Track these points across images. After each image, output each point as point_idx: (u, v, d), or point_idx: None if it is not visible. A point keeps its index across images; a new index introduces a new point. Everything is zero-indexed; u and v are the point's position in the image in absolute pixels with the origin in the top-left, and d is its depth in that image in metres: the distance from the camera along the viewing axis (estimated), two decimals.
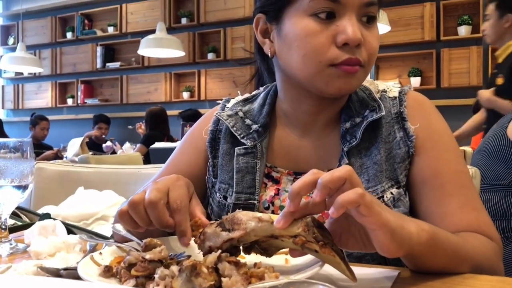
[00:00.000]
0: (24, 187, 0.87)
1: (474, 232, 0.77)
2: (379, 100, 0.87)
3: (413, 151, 0.83)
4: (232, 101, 1.00)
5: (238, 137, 0.90)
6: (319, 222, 0.60)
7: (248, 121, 0.92)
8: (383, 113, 0.84)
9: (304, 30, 0.78)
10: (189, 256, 0.64)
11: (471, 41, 4.92)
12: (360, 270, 0.63)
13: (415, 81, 5.09)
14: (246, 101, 0.98)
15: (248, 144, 0.89)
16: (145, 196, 0.65)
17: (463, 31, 4.92)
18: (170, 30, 6.00)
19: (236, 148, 0.90)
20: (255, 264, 0.59)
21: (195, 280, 0.52)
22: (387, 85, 0.92)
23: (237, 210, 0.65)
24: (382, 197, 0.81)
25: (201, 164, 0.95)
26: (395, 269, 0.70)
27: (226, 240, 0.60)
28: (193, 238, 0.66)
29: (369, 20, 0.80)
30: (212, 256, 0.57)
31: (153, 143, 4.24)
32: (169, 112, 5.47)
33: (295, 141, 0.90)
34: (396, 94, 0.89)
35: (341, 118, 0.87)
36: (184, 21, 6.38)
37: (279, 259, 0.67)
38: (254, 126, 0.91)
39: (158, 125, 5.12)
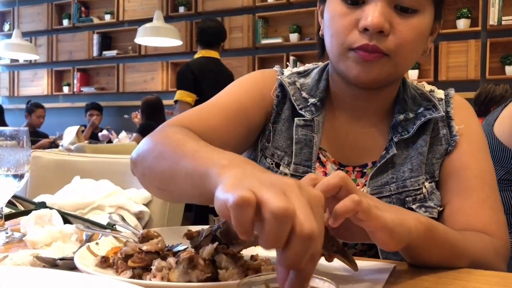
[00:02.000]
0: (20, 176, 0.86)
1: (484, 229, 0.79)
2: (434, 100, 0.90)
3: (452, 148, 0.86)
4: (287, 71, 0.97)
5: (297, 107, 0.89)
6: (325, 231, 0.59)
7: (304, 94, 0.92)
8: (442, 114, 0.87)
9: (333, 12, 0.81)
10: (186, 248, 0.65)
11: (470, 35, 4.91)
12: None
13: (413, 73, 5.08)
14: (299, 74, 0.96)
15: (307, 116, 0.88)
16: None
17: (462, 24, 4.90)
18: (167, 18, 5.96)
19: (296, 118, 0.89)
20: (252, 257, 0.60)
21: (192, 272, 0.53)
22: (433, 87, 0.95)
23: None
24: (421, 188, 0.84)
25: (262, 115, 0.90)
26: (391, 262, 0.70)
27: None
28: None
29: (405, 10, 0.78)
30: (209, 248, 0.57)
31: (149, 132, 4.22)
32: (165, 102, 5.44)
33: (345, 125, 0.91)
34: (443, 96, 0.93)
35: (395, 109, 0.89)
36: (181, 9, 6.33)
37: (275, 251, 0.67)
38: (312, 100, 0.90)
39: (154, 114, 5.10)
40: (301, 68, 0.99)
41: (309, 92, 0.92)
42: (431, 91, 0.94)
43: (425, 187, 0.84)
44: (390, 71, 0.80)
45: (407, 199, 0.83)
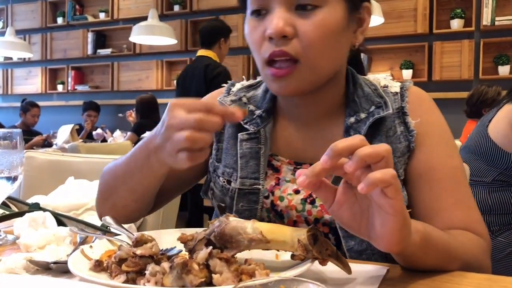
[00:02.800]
0: (13, 178, 0.86)
1: (465, 229, 0.78)
2: (385, 97, 0.87)
3: (414, 145, 0.84)
4: (237, 85, 0.99)
5: (242, 122, 0.90)
6: (316, 235, 0.60)
7: (251, 107, 0.92)
8: (390, 111, 0.84)
9: (247, 29, 0.82)
10: (180, 251, 0.65)
11: (463, 35, 4.93)
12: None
13: (407, 73, 5.10)
14: (250, 87, 0.98)
15: (251, 129, 0.89)
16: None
17: (456, 24, 4.92)
18: (162, 17, 5.95)
19: (239, 134, 0.89)
20: (245, 261, 0.60)
21: (186, 277, 0.53)
22: (389, 80, 0.92)
23: (223, 220, 0.63)
24: None
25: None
26: (384, 265, 0.70)
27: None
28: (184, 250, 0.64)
29: (305, 8, 0.76)
30: (203, 253, 0.57)
31: (144, 131, 4.21)
32: (160, 100, 5.43)
33: (296, 130, 0.90)
34: (398, 90, 0.89)
35: (346, 112, 0.87)
36: (176, 8, 6.31)
37: (269, 255, 0.67)
38: (258, 112, 0.91)
39: (149, 113, 5.08)
40: (257, 79, 0.99)
41: (257, 104, 0.92)
42: (385, 86, 0.90)
43: None
44: (309, 77, 0.79)
45: None
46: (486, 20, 4.79)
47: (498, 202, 1.78)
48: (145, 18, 5.00)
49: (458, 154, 0.86)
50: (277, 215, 0.87)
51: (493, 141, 1.75)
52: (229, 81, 1.01)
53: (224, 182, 0.90)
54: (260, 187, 0.86)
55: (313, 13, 0.76)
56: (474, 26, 4.88)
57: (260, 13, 0.79)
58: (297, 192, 0.86)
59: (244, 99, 0.94)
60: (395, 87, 0.90)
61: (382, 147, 0.54)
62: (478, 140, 1.84)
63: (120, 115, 6.02)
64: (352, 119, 0.86)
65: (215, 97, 0.98)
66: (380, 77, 0.93)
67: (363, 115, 0.85)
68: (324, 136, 0.88)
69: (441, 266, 0.68)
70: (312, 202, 0.85)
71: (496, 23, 4.75)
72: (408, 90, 0.89)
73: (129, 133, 4.89)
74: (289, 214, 0.86)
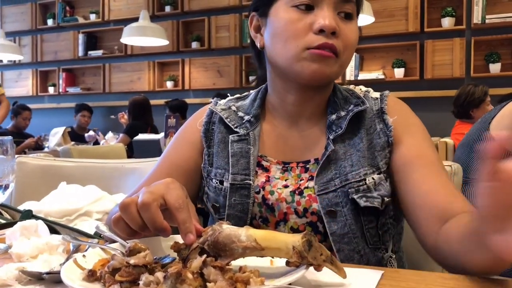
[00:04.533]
0: (5, 187, 0.85)
1: (466, 209, 0.80)
2: (362, 97, 0.96)
3: (392, 139, 0.91)
4: (223, 100, 1.06)
5: (232, 127, 0.97)
6: (311, 241, 0.60)
7: (240, 114, 1.00)
8: (367, 106, 0.93)
9: (286, 19, 0.88)
10: (173, 259, 0.64)
11: (454, 33, 4.95)
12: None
13: (399, 72, 5.12)
14: (238, 98, 1.06)
15: (241, 132, 0.96)
16: (138, 199, 0.65)
17: (447, 23, 4.95)
18: (153, 18, 5.93)
19: (230, 136, 0.96)
20: (240, 268, 0.59)
21: (180, 286, 0.52)
22: (369, 89, 1.01)
23: (216, 228, 0.63)
24: (364, 179, 0.89)
25: (196, 158, 1.00)
26: (379, 269, 0.70)
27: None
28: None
29: (347, 16, 0.89)
30: (197, 261, 0.57)
31: (137, 133, 4.20)
32: (152, 102, 5.41)
33: (283, 131, 0.98)
34: (378, 96, 0.98)
35: (327, 111, 0.96)
36: (167, 9, 6.29)
37: (264, 260, 0.67)
38: (246, 117, 0.99)
39: (142, 115, 5.07)
40: (243, 94, 1.08)
41: (245, 111, 1.01)
42: (367, 91, 0.99)
43: (372, 179, 0.89)
44: (337, 70, 0.90)
45: (349, 190, 0.88)
46: (476, 18, 4.82)
47: None
48: (136, 19, 4.99)
49: (435, 148, 0.93)
50: (268, 209, 0.92)
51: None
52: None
53: (216, 183, 0.96)
54: (251, 182, 0.92)
55: (349, 22, 0.90)
56: (465, 24, 4.90)
57: (307, 7, 0.87)
58: (286, 186, 0.92)
59: (234, 108, 1.02)
60: (375, 93, 0.99)
61: None
62: (479, 136, 1.85)
63: (112, 116, 5.99)
64: (334, 116, 0.94)
65: (204, 110, 1.04)
66: (361, 87, 1.02)
67: (343, 113, 0.94)
68: (309, 134, 0.96)
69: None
70: (301, 193, 0.91)
71: (487, 21, 4.79)
72: (387, 96, 0.97)
73: (121, 135, 4.87)
74: (279, 206, 0.91)
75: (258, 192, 0.93)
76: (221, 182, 0.95)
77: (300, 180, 0.92)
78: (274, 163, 0.95)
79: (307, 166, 0.94)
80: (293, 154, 0.96)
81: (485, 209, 0.56)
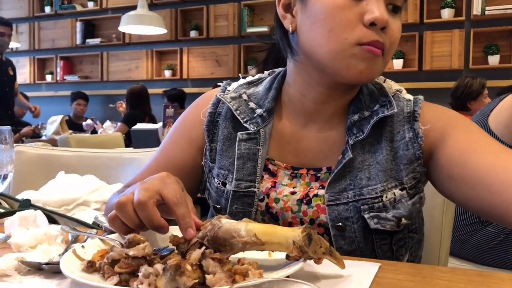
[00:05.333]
0: (3, 177, 0.85)
1: None
2: (391, 97, 0.85)
3: (420, 153, 0.81)
4: (234, 84, 0.95)
5: (241, 121, 0.88)
6: (311, 235, 0.60)
7: (252, 105, 0.89)
8: (395, 110, 0.82)
9: (333, 4, 0.76)
10: (172, 250, 0.64)
11: (454, 24, 4.94)
12: None
13: (398, 63, 5.11)
14: (250, 83, 0.95)
15: (252, 129, 0.87)
16: (133, 197, 0.64)
17: (446, 14, 4.93)
18: (151, 6, 5.88)
19: (238, 133, 0.87)
20: (238, 260, 0.60)
21: (180, 279, 0.53)
22: (402, 88, 0.90)
23: (215, 223, 0.63)
24: (381, 196, 0.80)
25: (195, 156, 0.93)
26: (377, 262, 0.71)
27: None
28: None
29: (395, 10, 0.79)
30: (196, 253, 0.57)
31: (135, 122, 4.18)
32: (150, 91, 5.40)
33: (297, 130, 0.88)
34: (411, 98, 0.87)
35: (350, 109, 0.85)
36: None
37: (262, 252, 0.68)
38: (259, 111, 0.88)
39: (139, 104, 5.05)
40: (256, 76, 0.97)
41: (258, 101, 0.90)
42: (399, 90, 0.88)
43: (393, 194, 0.80)
44: (382, 70, 0.80)
45: (362, 207, 0.80)
46: (476, 9, 4.80)
47: None
48: (134, 8, 4.95)
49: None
50: (272, 218, 0.86)
51: (492, 131, 1.76)
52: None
53: (219, 183, 0.89)
54: (256, 190, 0.85)
55: (397, 16, 0.80)
56: (465, 15, 4.89)
57: None
58: (293, 193, 0.85)
59: (245, 96, 0.91)
60: (408, 95, 0.88)
61: None
62: None
63: (111, 105, 5.98)
64: (356, 117, 0.83)
65: (209, 96, 0.95)
66: (393, 83, 0.92)
67: (367, 113, 0.83)
68: (326, 137, 0.86)
69: None
70: (308, 203, 0.83)
71: (486, 12, 4.77)
72: (421, 101, 0.86)
73: (119, 123, 4.86)
74: (284, 216, 0.85)
75: (262, 200, 0.85)
76: (224, 184, 0.88)
77: (310, 189, 0.84)
78: (282, 168, 0.87)
79: (318, 174, 0.85)
80: (305, 158, 0.86)
81: None
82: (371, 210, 0.80)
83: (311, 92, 0.85)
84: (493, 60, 4.79)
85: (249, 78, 0.97)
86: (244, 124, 0.87)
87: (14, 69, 4.79)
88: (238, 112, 0.88)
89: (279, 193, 0.85)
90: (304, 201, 0.83)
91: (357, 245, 0.81)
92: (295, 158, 0.87)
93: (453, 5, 4.91)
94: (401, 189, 0.81)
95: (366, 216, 0.79)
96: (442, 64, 4.96)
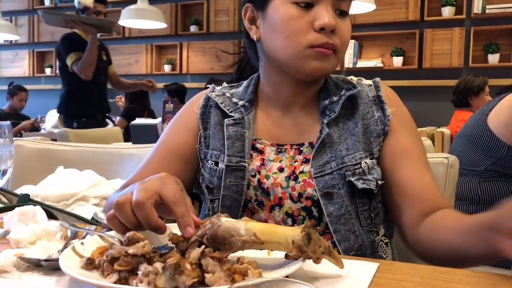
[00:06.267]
0: (3, 172, 0.85)
1: (447, 205, 0.89)
2: (354, 82, 0.99)
3: (388, 129, 0.95)
4: (219, 87, 1.08)
5: (227, 112, 0.98)
6: (310, 235, 0.60)
7: (234, 99, 1.01)
8: (359, 89, 0.96)
9: (287, 15, 0.89)
10: (172, 248, 0.65)
11: (454, 22, 4.94)
12: None
13: (398, 60, 5.11)
14: (231, 86, 1.07)
15: (236, 116, 0.98)
16: (132, 197, 0.65)
17: (447, 12, 4.93)
18: (151, 0, 5.85)
19: (225, 119, 0.98)
20: (238, 259, 0.60)
21: (179, 278, 0.53)
22: (360, 77, 1.04)
23: (215, 221, 0.63)
24: (360, 163, 0.92)
25: (192, 142, 1.01)
26: (375, 261, 0.71)
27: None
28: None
29: (342, 13, 0.91)
30: (196, 252, 0.57)
31: (134, 116, 4.17)
32: None
33: (277, 119, 0.99)
34: (370, 83, 1.01)
35: (320, 97, 0.98)
36: None
37: (261, 251, 0.68)
38: (241, 102, 1.00)
39: (138, 98, 5.05)
40: (236, 83, 1.10)
41: (239, 97, 1.02)
42: (359, 79, 1.02)
43: (365, 163, 0.92)
44: (335, 65, 0.93)
45: (346, 173, 0.91)
46: (477, 8, 4.80)
47: (488, 192, 1.80)
48: (134, 2, 4.92)
49: (423, 145, 0.98)
50: (263, 193, 0.94)
51: (491, 130, 1.76)
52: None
53: (212, 164, 0.97)
54: (246, 164, 0.94)
55: (345, 19, 0.92)
56: (465, 14, 4.88)
57: (307, 4, 0.88)
58: (281, 170, 0.94)
59: (228, 94, 1.03)
60: (367, 80, 1.02)
61: None
62: (475, 129, 1.85)
63: (111, 100, 5.95)
64: (326, 102, 0.97)
65: (202, 94, 1.05)
66: (352, 77, 1.05)
67: (335, 98, 0.97)
68: (303, 122, 0.98)
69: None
70: (295, 179, 0.93)
71: (487, 11, 4.77)
72: (379, 83, 1.00)
73: (118, 118, 4.85)
74: (275, 191, 0.93)
75: (254, 176, 0.94)
76: (216, 163, 0.96)
77: (294, 162, 0.94)
78: (268, 145, 0.97)
79: (301, 148, 0.96)
80: (287, 138, 0.97)
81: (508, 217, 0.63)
82: (354, 174, 0.91)
83: (282, 88, 0.98)
84: (493, 58, 4.79)
85: (230, 84, 1.10)
86: (230, 114, 0.98)
87: (108, 53, 4.17)
88: (223, 105, 1.00)
89: (269, 170, 0.94)
90: (292, 178, 0.93)
91: (346, 209, 0.90)
92: (278, 138, 0.98)
93: (454, 3, 4.91)
94: (371, 158, 0.94)
95: (352, 179, 0.90)
96: (442, 62, 4.95)
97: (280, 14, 0.89)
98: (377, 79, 1.02)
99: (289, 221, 0.93)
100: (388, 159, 0.94)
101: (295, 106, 0.99)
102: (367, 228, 0.92)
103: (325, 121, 0.94)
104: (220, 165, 0.95)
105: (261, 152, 0.97)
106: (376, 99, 0.97)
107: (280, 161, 0.95)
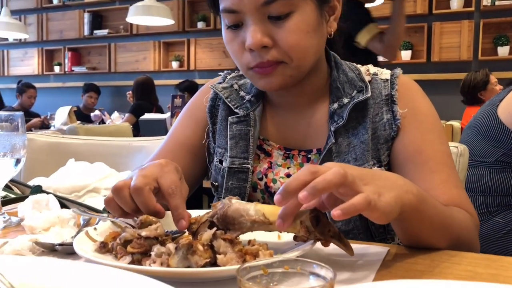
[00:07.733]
0: (16, 161, 0.86)
1: (455, 206, 0.80)
2: (367, 81, 0.90)
3: (395, 134, 0.87)
4: (233, 74, 1.03)
5: (232, 107, 0.94)
6: (319, 217, 0.61)
7: (242, 93, 0.97)
8: (369, 95, 0.87)
9: (225, 38, 0.85)
10: (184, 232, 0.65)
11: (463, 15, 4.90)
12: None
13: (406, 54, 5.08)
14: (242, 76, 1.01)
15: (241, 113, 0.93)
16: (131, 182, 0.65)
17: (455, 4, 4.89)
18: None
19: (229, 117, 0.94)
20: (249, 242, 0.60)
21: (191, 257, 0.53)
22: (378, 68, 0.94)
23: (226, 202, 0.64)
24: None
25: (201, 135, 0.99)
26: (385, 246, 0.72)
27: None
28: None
29: (278, 18, 0.79)
30: (208, 234, 0.58)
31: (142, 112, 4.20)
32: (158, 82, 5.41)
33: (284, 116, 0.94)
34: (388, 77, 0.91)
35: (330, 99, 0.90)
36: None
37: (271, 235, 0.68)
38: (247, 97, 0.95)
39: (145, 95, 5.07)
40: None
41: (247, 90, 0.97)
42: (375, 73, 0.92)
43: None
44: (293, 73, 0.83)
45: None
46: (486, 0, 4.76)
47: (499, 183, 1.79)
48: None
49: (445, 139, 0.88)
50: (271, 196, 0.91)
51: (501, 121, 1.75)
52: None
53: (217, 161, 0.95)
54: (249, 166, 0.91)
55: (286, 21, 0.79)
56: (474, 6, 4.84)
57: (236, 26, 0.81)
58: (288, 176, 0.91)
59: (236, 86, 0.98)
60: (385, 74, 0.92)
61: (337, 175, 0.55)
62: (485, 120, 1.84)
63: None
64: (335, 105, 0.89)
65: (207, 90, 1.02)
66: (371, 66, 0.95)
67: (346, 100, 0.88)
68: (310, 123, 0.92)
69: (436, 237, 0.70)
70: None
71: (496, 3, 4.73)
72: (398, 78, 0.91)
73: (127, 114, 4.88)
74: None
75: (261, 179, 0.92)
76: (221, 162, 0.94)
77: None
78: (276, 148, 0.93)
79: (309, 156, 0.91)
80: (295, 141, 0.93)
81: None
82: None
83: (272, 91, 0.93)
84: (503, 51, 4.75)
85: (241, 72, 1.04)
86: (235, 110, 0.94)
87: None
88: (229, 99, 0.95)
89: (276, 174, 0.92)
90: None
91: (354, 224, 0.86)
92: (287, 140, 0.93)
93: None
94: (379, 166, 0.87)
95: None
96: (451, 55, 4.92)
97: (224, 38, 0.86)
98: (397, 71, 0.92)
99: None
100: (395, 165, 0.88)
101: (296, 105, 0.93)
102: (380, 237, 0.89)
103: (332, 129, 0.87)
104: (224, 164, 0.93)
105: (269, 154, 0.93)
106: (389, 99, 0.88)
107: (288, 168, 0.92)
